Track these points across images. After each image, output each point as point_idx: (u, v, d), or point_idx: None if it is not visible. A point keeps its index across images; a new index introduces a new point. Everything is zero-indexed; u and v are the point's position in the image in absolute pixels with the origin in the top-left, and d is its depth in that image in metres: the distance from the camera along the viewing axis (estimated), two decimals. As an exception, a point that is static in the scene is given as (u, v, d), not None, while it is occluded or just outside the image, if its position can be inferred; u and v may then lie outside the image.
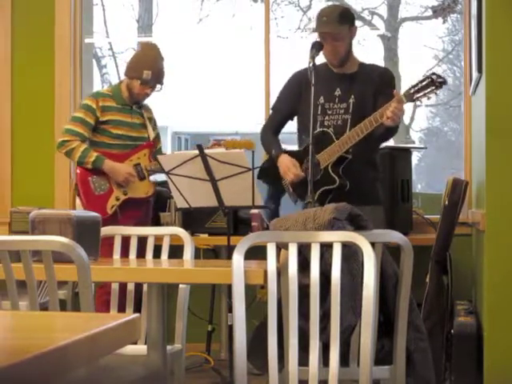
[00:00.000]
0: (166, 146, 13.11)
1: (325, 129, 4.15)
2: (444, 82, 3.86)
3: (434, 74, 3.88)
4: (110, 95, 4.89)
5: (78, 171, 4.86)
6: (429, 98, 3.93)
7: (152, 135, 4.99)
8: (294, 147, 4.35)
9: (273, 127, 4.40)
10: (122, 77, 5.06)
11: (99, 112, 4.82)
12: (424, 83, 3.86)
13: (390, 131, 4.09)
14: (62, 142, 4.79)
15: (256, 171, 4.02)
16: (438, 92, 3.89)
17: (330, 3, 7.84)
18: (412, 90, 3.88)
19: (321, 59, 4.18)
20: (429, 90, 3.85)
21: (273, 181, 4.33)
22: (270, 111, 4.51)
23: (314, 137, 3.99)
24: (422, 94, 3.87)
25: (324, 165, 4.09)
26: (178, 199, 4.07)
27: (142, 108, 4.97)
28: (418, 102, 3.93)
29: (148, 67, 4.79)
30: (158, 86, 4.87)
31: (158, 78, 4.85)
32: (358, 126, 4.00)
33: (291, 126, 4.50)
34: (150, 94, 4.89)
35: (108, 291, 4.16)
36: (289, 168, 4.15)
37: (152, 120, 5.06)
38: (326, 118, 4.19)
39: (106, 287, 4.25)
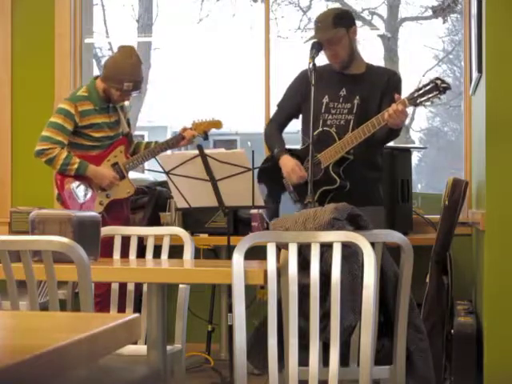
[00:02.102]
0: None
1: (327, 128, 4.14)
2: (448, 88, 3.83)
3: (438, 78, 3.86)
4: (87, 96, 4.75)
5: (59, 180, 4.74)
6: (432, 103, 3.92)
7: (126, 129, 4.91)
8: (297, 146, 4.35)
9: (277, 124, 4.38)
10: (99, 74, 4.91)
11: (78, 117, 4.69)
12: (428, 88, 3.84)
13: (392, 134, 4.09)
14: (42, 151, 4.64)
15: (256, 171, 4.02)
16: (441, 97, 3.88)
17: (329, 3, 7.84)
18: (416, 94, 3.86)
19: (326, 59, 4.18)
20: (432, 94, 3.84)
21: (272, 180, 4.32)
22: (276, 108, 4.48)
23: (316, 135, 3.99)
24: (425, 98, 3.85)
25: (325, 164, 4.09)
26: (178, 199, 4.06)
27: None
28: (425, 104, 3.91)
29: (129, 79, 4.68)
30: (136, 91, 4.81)
31: (138, 86, 4.76)
32: (360, 128, 3.99)
33: (293, 127, 4.50)
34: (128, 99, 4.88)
35: (97, 294, 4.15)
36: (293, 170, 4.12)
37: (123, 107, 4.97)
38: (330, 116, 4.18)
39: (95, 289, 4.23)
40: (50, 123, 4.71)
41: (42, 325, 1.37)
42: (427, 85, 3.85)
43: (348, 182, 4.10)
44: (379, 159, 4.30)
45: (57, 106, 4.97)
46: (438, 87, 3.83)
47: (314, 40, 4.07)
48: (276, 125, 4.37)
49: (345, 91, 4.19)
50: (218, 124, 4.96)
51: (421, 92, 3.85)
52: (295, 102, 4.29)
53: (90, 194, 4.77)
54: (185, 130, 4.90)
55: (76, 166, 4.66)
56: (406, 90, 4.10)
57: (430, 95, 3.84)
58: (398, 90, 4.11)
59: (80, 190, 4.75)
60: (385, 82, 4.16)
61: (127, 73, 4.70)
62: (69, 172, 4.68)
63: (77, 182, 4.74)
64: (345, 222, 2.89)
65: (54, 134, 4.66)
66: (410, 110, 3.98)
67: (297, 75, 4.34)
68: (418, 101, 3.86)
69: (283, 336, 2.74)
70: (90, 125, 4.74)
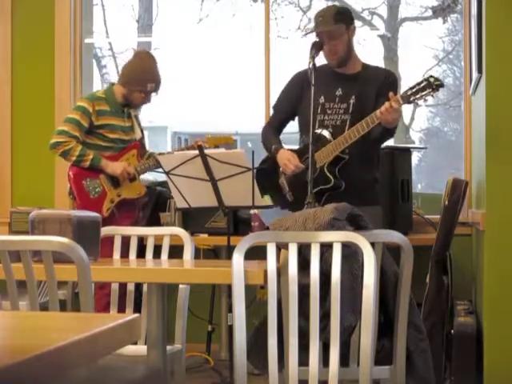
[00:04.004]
0: (166, 145, 13.11)
1: (322, 129, 4.15)
2: (441, 85, 3.87)
3: (431, 76, 3.89)
4: (104, 98, 4.87)
5: (72, 175, 4.82)
6: (425, 100, 3.94)
7: (139, 135, 5.02)
8: (295, 147, 4.35)
9: (273, 126, 4.41)
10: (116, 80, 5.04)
11: (94, 116, 4.80)
12: (421, 85, 3.87)
13: (387, 133, 4.10)
14: (57, 143, 4.74)
15: (256, 171, 4.02)
16: (434, 95, 3.90)
17: (329, 3, 7.84)
18: (409, 92, 3.88)
19: (323, 60, 4.18)
20: (426, 92, 3.86)
21: (269, 181, 4.31)
22: (271, 110, 4.52)
23: (312, 137, 3.99)
24: (418, 95, 3.88)
25: (320, 164, 4.09)
26: (177, 199, 4.07)
27: (129, 108, 5.00)
28: (418, 102, 3.94)
29: (151, 80, 4.87)
30: (156, 92, 4.97)
31: (159, 86, 4.94)
32: (354, 127, 4.00)
33: (291, 127, 4.50)
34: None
35: (108, 293, 4.16)
36: (289, 160, 4.15)
37: (137, 117, 5.10)
38: (326, 117, 4.19)
39: (105, 289, 4.24)
40: (68, 119, 4.82)
41: (42, 325, 1.37)
42: (420, 83, 3.87)
43: (343, 182, 4.10)
44: (375, 159, 4.29)
45: (57, 106, 5.02)
46: (431, 84, 3.85)
47: (314, 35, 4.10)
48: (272, 128, 4.41)
49: (341, 91, 4.20)
50: (229, 139, 5.11)
51: (414, 90, 3.88)
52: (290, 104, 4.32)
53: (101, 191, 4.83)
54: (197, 141, 5.01)
55: (91, 156, 4.76)
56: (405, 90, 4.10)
57: (423, 92, 3.86)
58: (394, 90, 4.12)
59: (92, 186, 4.81)
60: (381, 82, 4.16)
61: (149, 74, 4.88)
62: (83, 163, 4.76)
63: (89, 178, 4.81)
64: (345, 222, 2.89)
65: (71, 128, 4.76)
66: (409, 110, 3.99)
67: (291, 78, 4.38)
68: (411, 98, 3.88)
69: (283, 336, 2.74)
70: (104, 125, 4.84)
